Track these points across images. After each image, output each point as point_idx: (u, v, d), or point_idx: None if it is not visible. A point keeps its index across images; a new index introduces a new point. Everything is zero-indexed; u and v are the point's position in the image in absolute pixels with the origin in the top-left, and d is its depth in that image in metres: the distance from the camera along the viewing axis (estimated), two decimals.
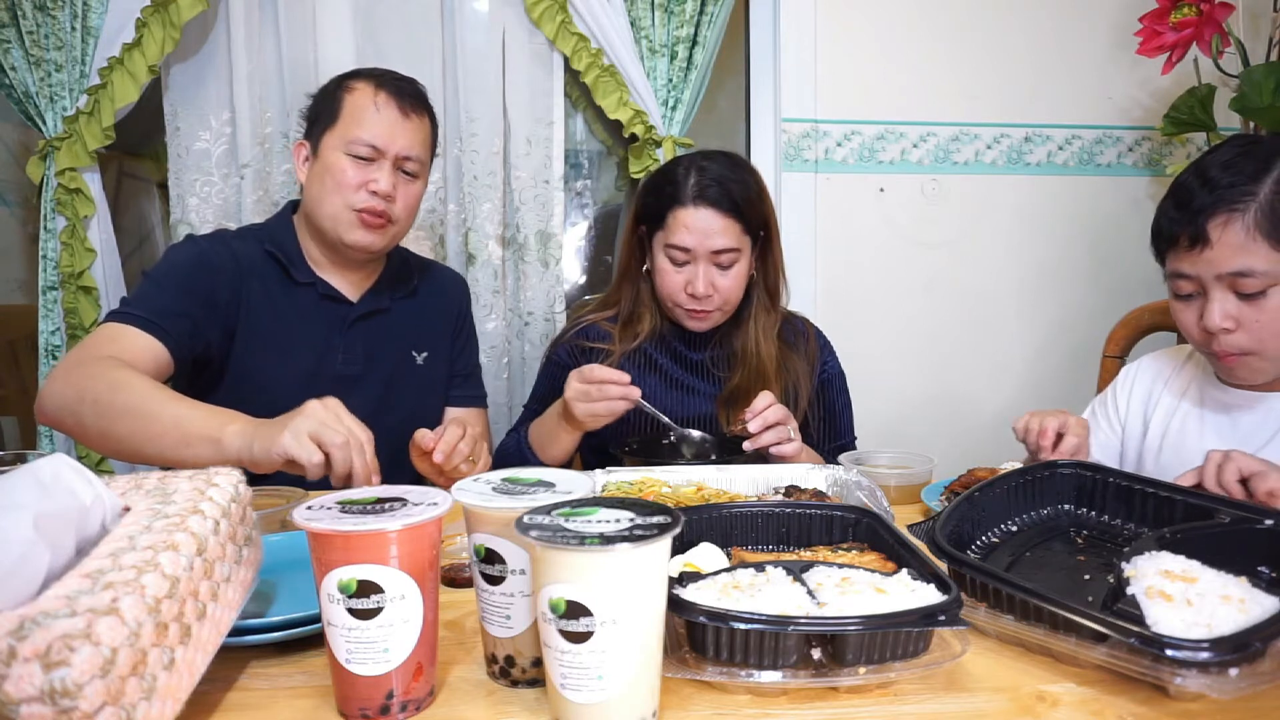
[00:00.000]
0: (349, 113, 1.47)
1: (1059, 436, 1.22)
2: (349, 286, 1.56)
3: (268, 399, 1.38)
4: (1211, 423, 1.31)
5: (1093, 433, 1.42)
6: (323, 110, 1.50)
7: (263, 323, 1.48)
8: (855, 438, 1.69)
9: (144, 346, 1.32)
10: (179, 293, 1.40)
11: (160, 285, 1.41)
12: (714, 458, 1.43)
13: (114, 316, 1.35)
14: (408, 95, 1.50)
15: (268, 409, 1.30)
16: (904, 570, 0.81)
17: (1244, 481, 1.03)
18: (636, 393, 1.36)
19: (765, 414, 1.34)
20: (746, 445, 1.35)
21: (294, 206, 1.58)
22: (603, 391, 1.36)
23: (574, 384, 1.39)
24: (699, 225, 1.48)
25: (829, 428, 1.64)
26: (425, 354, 1.62)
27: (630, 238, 1.61)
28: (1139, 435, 1.41)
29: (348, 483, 1.08)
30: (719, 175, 1.50)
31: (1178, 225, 1.18)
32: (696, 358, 1.62)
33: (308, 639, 0.80)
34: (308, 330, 1.51)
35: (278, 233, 1.54)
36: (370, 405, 1.47)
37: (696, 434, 1.46)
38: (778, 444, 1.34)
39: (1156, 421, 1.38)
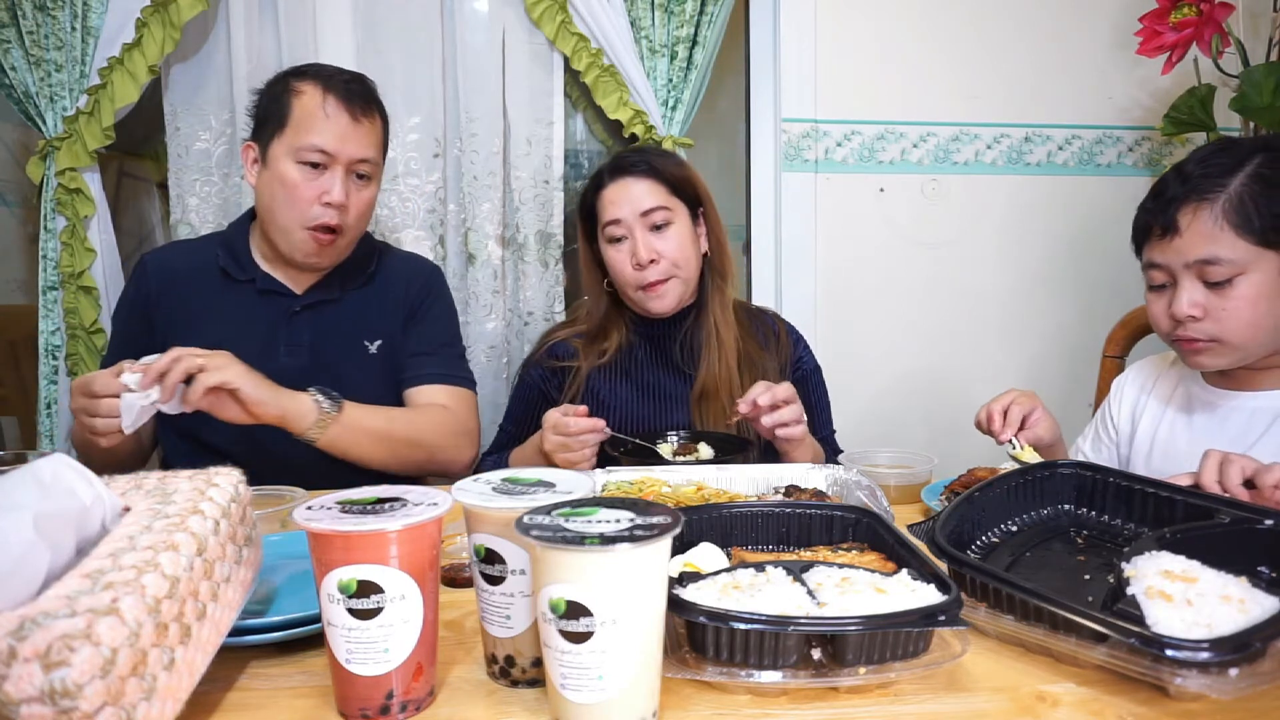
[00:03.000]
0: (298, 118, 1.43)
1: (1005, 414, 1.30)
2: (295, 281, 1.55)
3: None
4: (1200, 423, 1.31)
5: (1098, 450, 1.44)
6: (270, 113, 1.46)
7: (183, 325, 1.49)
8: (834, 430, 1.69)
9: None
10: (117, 344, 1.56)
11: (110, 338, 1.61)
12: (706, 453, 1.42)
13: None
14: (357, 97, 1.46)
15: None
16: (904, 570, 0.81)
17: (1247, 482, 1.03)
18: (602, 424, 1.36)
19: (774, 391, 1.35)
20: (766, 420, 1.34)
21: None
22: (582, 443, 1.35)
23: (551, 436, 1.37)
24: (621, 194, 1.54)
25: (807, 422, 1.64)
26: (379, 342, 1.58)
27: (585, 256, 1.64)
28: (1128, 440, 1.42)
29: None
30: (633, 151, 1.60)
31: (1151, 216, 1.24)
32: (662, 369, 1.61)
33: (308, 639, 0.80)
34: (246, 327, 1.50)
35: (232, 235, 1.56)
36: None
37: (670, 449, 1.45)
38: (796, 422, 1.35)
39: (1145, 426, 1.39)
